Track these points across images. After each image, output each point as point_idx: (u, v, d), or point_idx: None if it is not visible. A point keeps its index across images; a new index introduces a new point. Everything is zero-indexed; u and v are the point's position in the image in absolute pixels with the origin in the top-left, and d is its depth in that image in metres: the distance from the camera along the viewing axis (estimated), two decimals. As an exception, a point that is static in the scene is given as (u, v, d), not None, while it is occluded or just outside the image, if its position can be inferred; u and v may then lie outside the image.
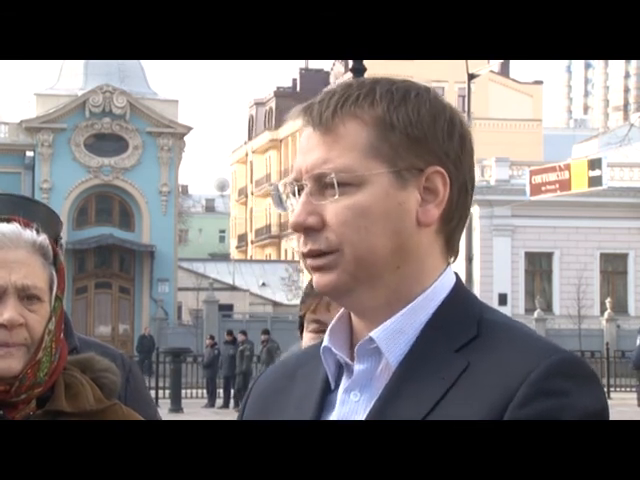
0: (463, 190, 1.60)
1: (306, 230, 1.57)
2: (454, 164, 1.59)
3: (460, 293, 1.61)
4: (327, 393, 1.62)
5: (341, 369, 1.63)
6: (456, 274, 1.63)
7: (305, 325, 2.49)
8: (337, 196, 1.54)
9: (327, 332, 1.63)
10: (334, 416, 1.59)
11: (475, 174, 1.64)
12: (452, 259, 1.63)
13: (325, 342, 1.62)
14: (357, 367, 1.59)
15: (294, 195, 1.60)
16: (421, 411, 1.51)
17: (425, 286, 1.58)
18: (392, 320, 1.57)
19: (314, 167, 1.56)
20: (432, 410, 1.50)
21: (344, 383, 1.61)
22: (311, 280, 2.47)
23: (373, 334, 1.57)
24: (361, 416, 1.56)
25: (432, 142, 1.57)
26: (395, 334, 1.57)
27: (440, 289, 1.59)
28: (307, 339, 2.47)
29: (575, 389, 1.47)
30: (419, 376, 1.54)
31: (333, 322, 1.64)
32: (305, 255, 1.59)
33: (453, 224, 1.60)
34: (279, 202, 1.65)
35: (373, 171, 1.55)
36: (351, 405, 1.58)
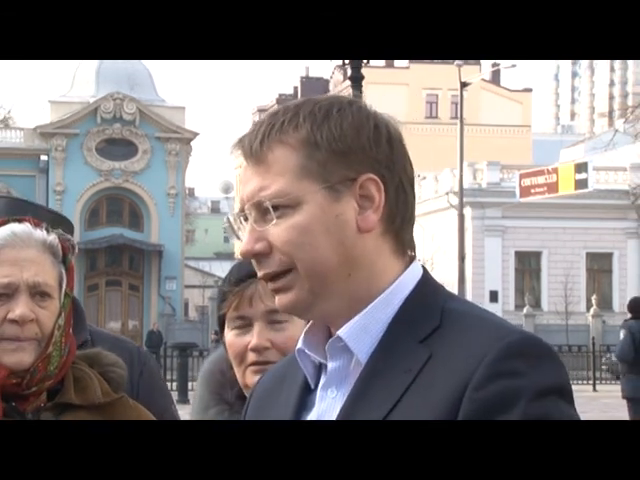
0: (401, 190, 1.60)
1: (256, 256, 1.58)
2: (387, 168, 1.58)
3: (425, 286, 1.60)
4: (307, 393, 1.63)
5: (320, 369, 1.63)
6: (424, 268, 1.63)
7: (227, 324, 2.30)
8: (275, 220, 1.55)
9: (302, 335, 1.63)
10: (314, 413, 1.60)
11: (413, 171, 1.62)
12: (412, 253, 1.62)
13: (299, 345, 1.62)
14: (330, 365, 1.59)
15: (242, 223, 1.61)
16: (388, 404, 1.50)
17: (381, 285, 1.58)
18: (356, 319, 1.57)
19: (252, 196, 1.58)
20: (398, 402, 1.50)
21: (322, 381, 1.61)
22: (225, 279, 2.36)
23: (340, 332, 1.57)
24: (338, 411, 1.56)
25: (359, 152, 1.57)
26: (361, 331, 1.57)
27: (404, 284, 1.59)
28: (232, 337, 2.29)
29: (530, 369, 1.46)
30: (386, 369, 1.54)
31: (308, 325, 1.64)
32: (262, 279, 1.60)
33: (397, 223, 1.60)
34: (232, 232, 1.66)
35: (306, 190, 1.55)
36: (329, 401, 1.59)
